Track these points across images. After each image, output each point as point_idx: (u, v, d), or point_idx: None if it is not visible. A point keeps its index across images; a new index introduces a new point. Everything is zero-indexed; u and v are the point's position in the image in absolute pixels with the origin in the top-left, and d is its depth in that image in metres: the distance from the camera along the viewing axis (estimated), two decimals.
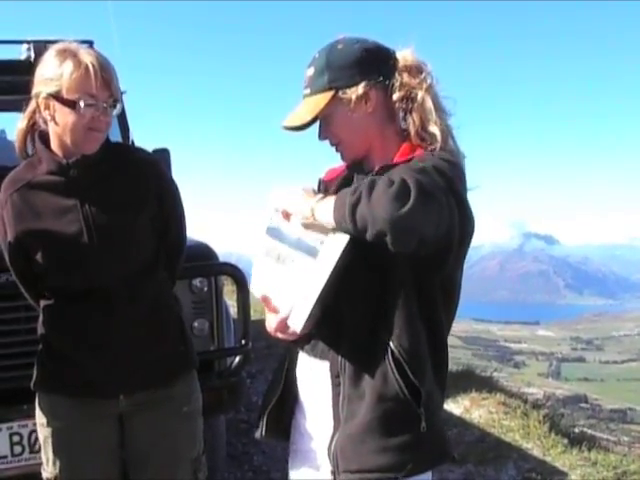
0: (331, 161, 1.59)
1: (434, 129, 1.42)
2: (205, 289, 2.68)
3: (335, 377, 1.44)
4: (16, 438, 2.35)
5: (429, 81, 1.44)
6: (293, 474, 1.62)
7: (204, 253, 2.75)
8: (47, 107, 1.64)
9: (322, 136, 1.50)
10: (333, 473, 1.45)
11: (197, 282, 2.66)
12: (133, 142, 3.42)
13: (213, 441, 2.70)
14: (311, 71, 1.46)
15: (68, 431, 1.77)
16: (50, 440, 1.78)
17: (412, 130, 1.44)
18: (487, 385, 5.06)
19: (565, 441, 3.89)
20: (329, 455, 1.45)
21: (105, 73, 1.61)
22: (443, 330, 1.44)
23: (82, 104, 1.59)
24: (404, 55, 1.46)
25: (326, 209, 1.29)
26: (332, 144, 1.51)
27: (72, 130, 1.63)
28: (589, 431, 6.93)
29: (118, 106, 1.67)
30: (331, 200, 1.28)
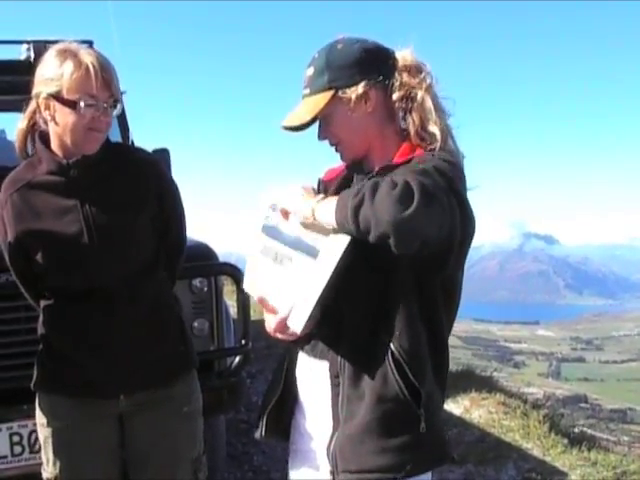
0: (331, 161, 1.59)
1: (434, 128, 1.42)
2: (205, 289, 2.68)
3: (334, 377, 1.44)
4: (16, 438, 2.35)
5: (429, 81, 1.44)
6: (293, 474, 1.62)
7: (204, 253, 2.75)
8: (47, 107, 1.64)
9: (321, 136, 1.50)
10: (332, 473, 1.45)
11: (197, 282, 2.66)
12: (133, 142, 3.42)
13: (213, 441, 2.70)
14: (311, 71, 1.46)
15: (68, 431, 1.77)
16: (50, 440, 1.78)
17: (412, 130, 1.44)
18: (487, 385, 5.06)
19: (565, 441, 3.89)
20: (328, 455, 1.45)
21: (105, 73, 1.61)
22: (444, 331, 1.43)
23: (82, 104, 1.59)
24: (403, 55, 1.46)
25: (327, 210, 1.28)
26: (331, 144, 1.51)
27: (72, 130, 1.63)
28: (589, 431, 6.93)
29: (118, 106, 1.67)
30: (332, 201, 1.28)
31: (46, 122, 1.68)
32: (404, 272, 1.34)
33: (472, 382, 4.96)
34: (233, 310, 2.98)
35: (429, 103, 1.42)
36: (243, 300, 2.65)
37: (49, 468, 1.81)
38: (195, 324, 2.64)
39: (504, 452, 3.73)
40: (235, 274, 2.64)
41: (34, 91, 1.66)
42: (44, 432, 1.80)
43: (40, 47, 2.95)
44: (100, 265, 1.70)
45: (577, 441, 3.95)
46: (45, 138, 1.71)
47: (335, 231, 1.30)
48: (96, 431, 1.79)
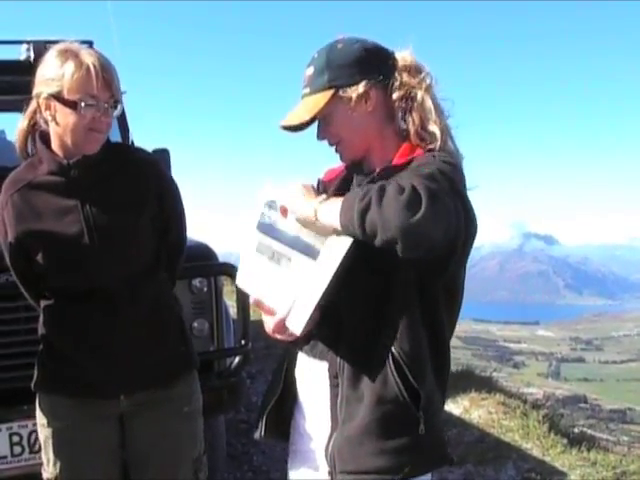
0: (330, 161, 1.59)
1: (434, 128, 1.41)
2: (205, 289, 2.68)
3: (333, 378, 1.44)
4: (16, 438, 2.34)
5: (428, 81, 1.44)
6: (292, 474, 1.62)
7: (204, 253, 2.75)
8: (48, 107, 1.64)
9: (321, 136, 1.50)
10: (330, 474, 1.45)
11: (197, 282, 2.66)
12: (133, 142, 3.42)
13: (213, 441, 2.70)
14: (310, 70, 1.45)
15: (69, 431, 1.77)
16: (51, 440, 1.78)
17: (412, 129, 1.44)
18: (486, 385, 5.06)
19: (564, 441, 3.90)
20: (326, 456, 1.45)
21: (106, 74, 1.61)
22: (445, 332, 1.43)
23: (83, 105, 1.59)
24: (403, 55, 1.46)
25: (331, 211, 1.27)
26: (331, 144, 1.50)
27: (73, 130, 1.63)
28: (588, 431, 6.93)
29: (119, 107, 1.67)
30: (336, 202, 1.27)
31: (47, 122, 1.68)
32: (405, 274, 1.33)
33: (472, 382, 4.96)
34: (233, 310, 2.98)
35: (429, 103, 1.43)
36: (243, 300, 2.64)
37: (49, 468, 1.81)
38: (195, 324, 2.64)
39: (504, 452, 3.73)
40: (235, 274, 2.63)
41: (35, 91, 1.66)
42: (44, 432, 1.80)
43: (40, 47, 2.95)
44: (100, 265, 1.70)
45: (577, 441, 3.96)
46: (45, 138, 1.71)
47: (336, 232, 1.29)
48: (96, 431, 1.79)
